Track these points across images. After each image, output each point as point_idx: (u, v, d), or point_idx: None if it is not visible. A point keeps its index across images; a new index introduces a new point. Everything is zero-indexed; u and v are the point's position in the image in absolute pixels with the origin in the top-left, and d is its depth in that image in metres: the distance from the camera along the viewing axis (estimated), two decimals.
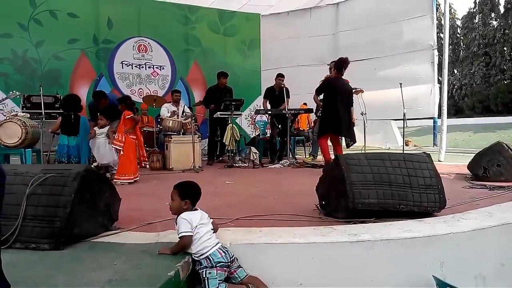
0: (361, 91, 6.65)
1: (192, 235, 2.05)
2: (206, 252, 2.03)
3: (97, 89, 8.22)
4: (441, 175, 2.99)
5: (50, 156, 5.80)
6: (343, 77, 6.45)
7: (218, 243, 2.10)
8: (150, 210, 3.27)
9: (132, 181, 5.00)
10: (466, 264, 2.31)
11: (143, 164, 5.53)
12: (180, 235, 2.05)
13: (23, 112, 6.10)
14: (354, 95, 6.42)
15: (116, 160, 5.30)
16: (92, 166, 5.32)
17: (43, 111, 5.74)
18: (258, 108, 8.26)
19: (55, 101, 6.44)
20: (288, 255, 2.15)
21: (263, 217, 2.92)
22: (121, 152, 5.01)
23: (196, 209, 2.19)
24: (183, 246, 2.06)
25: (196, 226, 2.08)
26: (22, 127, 5.45)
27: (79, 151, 5.21)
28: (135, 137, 5.20)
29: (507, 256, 2.42)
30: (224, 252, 2.06)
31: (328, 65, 7.14)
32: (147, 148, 7.17)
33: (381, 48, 9.97)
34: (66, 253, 2.09)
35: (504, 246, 2.43)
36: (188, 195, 2.18)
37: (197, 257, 2.05)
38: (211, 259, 2.02)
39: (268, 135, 8.29)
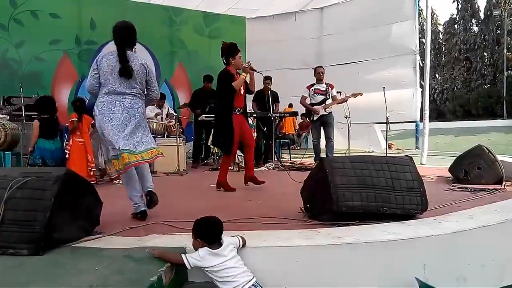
0: (360, 94, 6.71)
1: (190, 268, 1.99)
2: None
3: (79, 91, 8.10)
4: (423, 178, 3.02)
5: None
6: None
7: (252, 279, 1.96)
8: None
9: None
10: (447, 265, 2.34)
11: (90, 172, 5.17)
12: (184, 256, 2.00)
13: (2, 114, 5.96)
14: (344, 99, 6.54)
15: None
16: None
17: (23, 113, 5.62)
18: None
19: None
20: (272, 259, 2.14)
21: (248, 220, 2.91)
22: (67, 156, 4.95)
23: (217, 247, 2.02)
24: (175, 263, 2.00)
25: (214, 269, 1.96)
26: (2, 129, 5.31)
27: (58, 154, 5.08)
28: (82, 140, 5.17)
29: (487, 258, 2.47)
30: None
31: (312, 68, 7.20)
32: None
33: (365, 52, 10.09)
34: (45, 259, 2.04)
35: (485, 248, 2.48)
36: (198, 233, 2.06)
37: None
38: None
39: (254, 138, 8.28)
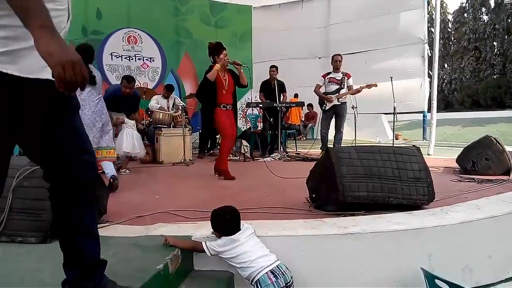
0: (375, 85, 6.50)
1: (209, 255, 2.00)
2: (255, 277, 1.90)
3: None
4: (430, 169, 3.01)
5: None
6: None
7: (272, 264, 1.92)
8: (140, 203, 3.25)
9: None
10: (454, 256, 2.33)
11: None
12: (204, 243, 2.01)
13: None
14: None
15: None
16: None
17: None
18: (249, 101, 8.23)
19: None
20: (278, 248, 2.14)
21: (253, 210, 2.91)
22: None
23: (236, 236, 2.00)
24: (193, 248, 2.03)
25: (232, 254, 1.96)
26: None
27: None
28: None
29: (494, 249, 2.45)
30: (275, 275, 1.87)
31: (319, 58, 7.12)
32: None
33: (372, 41, 9.98)
34: (53, 247, 2.06)
35: (491, 239, 2.47)
36: (214, 226, 2.08)
37: (250, 283, 1.93)
38: (259, 286, 1.87)
39: (259, 128, 8.27)
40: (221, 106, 4.74)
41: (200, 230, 2.23)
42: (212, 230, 2.10)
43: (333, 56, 6.81)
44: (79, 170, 1.39)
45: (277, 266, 1.94)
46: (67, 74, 1.03)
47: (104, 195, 2.63)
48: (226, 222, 2.04)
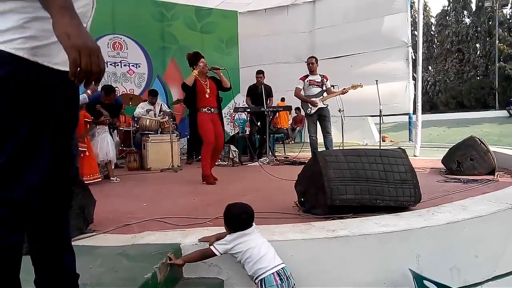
0: (360, 86, 6.37)
1: (220, 255, 1.98)
2: (260, 275, 1.88)
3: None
4: (416, 170, 3.04)
5: None
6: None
7: (278, 265, 1.92)
8: (127, 211, 3.21)
9: (100, 179, 4.94)
10: (441, 256, 2.35)
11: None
12: (212, 246, 1.98)
13: None
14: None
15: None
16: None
17: None
18: (237, 106, 8.24)
19: None
20: None
21: None
22: (86, 153, 4.89)
23: (247, 231, 2.00)
24: (203, 258, 2.01)
25: (240, 248, 1.95)
26: None
27: None
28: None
29: (481, 248, 2.49)
30: (281, 278, 1.87)
31: (305, 62, 7.10)
32: (124, 148, 7.04)
33: (357, 45, 10.11)
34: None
35: (478, 238, 2.50)
36: (227, 222, 2.06)
37: (253, 280, 1.92)
38: (264, 285, 1.86)
39: (247, 133, 8.27)
40: (205, 109, 4.79)
41: (189, 238, 2.22)
42: (224, 226, 2.08)
43: (308, 58, 6.64)
44: (71, 177, 1.37)
45: (282, 268, 1.93)
46: (83, 60, 0.96)
47: (90, 204, 2.59)
48: (239, 220, 2.02)
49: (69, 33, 0.96)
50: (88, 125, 4.94)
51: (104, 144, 5.25)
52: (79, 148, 4.84)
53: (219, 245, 1.98)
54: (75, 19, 1.00)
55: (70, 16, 0.99)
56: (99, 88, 5.81)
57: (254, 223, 2.07)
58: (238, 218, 2.03)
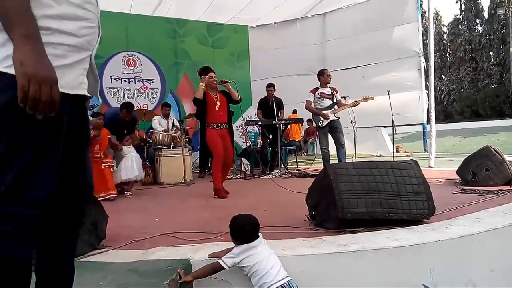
0: (371, 98, 6.39)
1: (228, 269, 1.98)
2: None
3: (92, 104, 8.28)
4: (431, 181, 3.02)
5: None
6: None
7: (283, 279, 1.91)
8: (139, 226, 3.24)
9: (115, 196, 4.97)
10: (456, 271, 2.31)
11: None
12: (220, 260, 1.98)
13: None
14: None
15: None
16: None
17: None
18: (249, 119, 8.28)
19: None
20: None
21: None
22: (113, 169, 4.97)
23: (254, 243, 2.01)
24: (213, 272, 2.00)
25: (248, 262, 1.95)
26: None
27: None
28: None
29: (496, 262, 2.43)
30: None
31: (316, 74, 7.10)
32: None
33: (369, 56, 10.09)
34: None
35: (493, 252, 2.44)
36: (233, 234, 2.08)
37: None
38: None
39: (260, 146, 8.29)
40: (214, 126, 4.80)
41: (199, 253, 2.22)
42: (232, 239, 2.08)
43: (324, 71, 6.59)
44: (83, 195, 1.42)
45: (288, 282, 1.93)
46: (32, 88, 0.97)
47: (103, 220, 2.62)
48: (245, 232, 2.03)
49: (24, 61, 0.98)
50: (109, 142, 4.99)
51: (128, 163, 5.25)
52: (108, 163, 4.89)
53: (227, 258, 1.99)
54: (36, 49, 1.01)
55: (32, 45, 1.01)
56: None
57: (260, 234, 2.07)
58: (243, 229, 2.04)
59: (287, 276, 1.94)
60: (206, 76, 4.91)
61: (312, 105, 6.43)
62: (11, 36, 1.01)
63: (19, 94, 0.98)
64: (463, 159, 5.15)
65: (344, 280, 2.15)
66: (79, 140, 1.34)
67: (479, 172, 4.68)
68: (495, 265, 2.41)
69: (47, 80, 1.01)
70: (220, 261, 1.99)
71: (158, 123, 7.12)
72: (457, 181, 4.99)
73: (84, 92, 1.24)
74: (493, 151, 4.74)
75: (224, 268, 1.98)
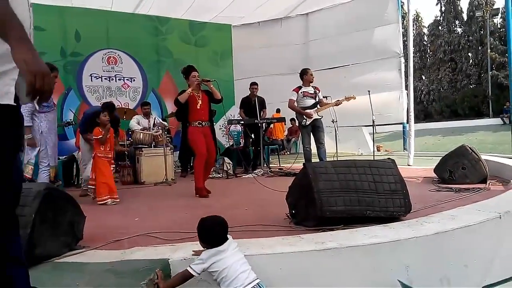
0: (353, 97, 6.43)
1: (198, 275, 1.94)
2: None
3: (65, 103, 8.13)
4: (409, 179, 3.08)
5: None
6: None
7: (252, 282, 1.90)
8: (119, 226, 3.21)
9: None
10: (431, 267, 2.36)
11: None
12: (189, 267, 1.94)
13: None
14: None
15: None
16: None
17: None
18: (232, 118, 8.27)
19: None
20: (256, 267, 2.13)
21: (234, 228, 2.88)
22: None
23: (222, 247, 1.97)
24: (184, 279, 1.96)
25: (217, 267, 1.92)
26: None
27: None
28: None
29: (470, 258, 2.50)
30: None
31: (299, 73, 7.14)
32: (119, 162, 7.02)
33: (350, 56, 10.21)
34: None
35: (467, 248, 2.51)
36: (201, 237, 2.03)
37: None
38: None
39: (242, 145, 8.29)
40: (196, 123, 4.80)
41: (178, 252, 2.21)
42: (200, 243, 2.06)
43: (307, 70, 6.63)
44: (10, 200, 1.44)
45: (257, 284, 1.93)
46: (38, 83, 1.15)
47: (80, 220, 2.58)
48: (213, 234, 2.00)
49: (26, 60, 1.15)
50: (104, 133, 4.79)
51: None
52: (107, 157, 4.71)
53: (196, 265, 1.95)
54: (32, 48, 1.19)
55: (28, 45, 1.19)
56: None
57: (230, 236, 2.05)
58: (212, 231, 2.01)
59: (256, 279, 1.94)
60: (192, 79, 4.88)
61: (295, 103, 6.46)
62: (8, 40, 1.17)
63: (28, 90, 1.15)
64: (442, 157, 5.26)
65: (322, 277, 2.18)
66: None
67: (455, 170, 4.79)
68: (469, 261, 2.48)
69: (48, 74, 1.18)
70: (188, 267, 1.95)
71: (137, 122, 7.00)
72: (434, 179, 5.10)
73: (10, 101, 1.30)
74: (469, 150, 4.86)
75: (193, 276, 1.94)
